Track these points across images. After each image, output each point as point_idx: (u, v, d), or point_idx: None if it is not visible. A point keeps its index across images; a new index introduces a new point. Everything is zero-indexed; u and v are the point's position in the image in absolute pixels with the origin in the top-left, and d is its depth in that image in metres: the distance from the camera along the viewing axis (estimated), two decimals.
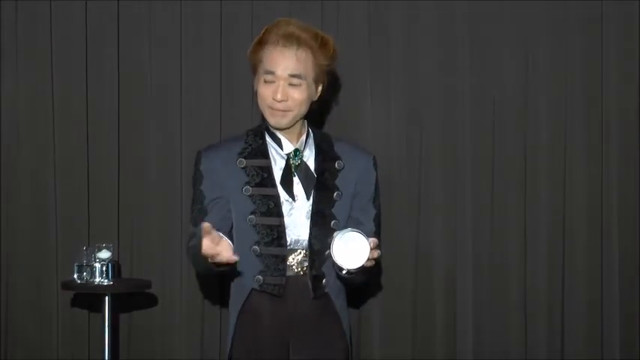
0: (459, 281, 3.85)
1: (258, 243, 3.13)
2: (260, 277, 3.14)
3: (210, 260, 2.87)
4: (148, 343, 3.90)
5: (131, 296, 3.83)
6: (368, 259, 2.90)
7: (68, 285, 3.64)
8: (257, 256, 3.14)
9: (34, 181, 3.92)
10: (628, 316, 3.84)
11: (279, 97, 3.10)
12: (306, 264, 3.15)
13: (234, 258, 2.85)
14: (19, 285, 3.91)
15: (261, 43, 3.15)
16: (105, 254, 3.60)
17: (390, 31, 3.87)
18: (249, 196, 3.14)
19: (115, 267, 3.68)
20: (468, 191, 3.84)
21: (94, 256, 3.63)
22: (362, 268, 2.92)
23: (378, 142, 3.85)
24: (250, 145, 3.20)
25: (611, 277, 3.84)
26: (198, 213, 3.16)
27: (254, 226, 3.14)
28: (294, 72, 3.11)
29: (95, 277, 3.61)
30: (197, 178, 3.19)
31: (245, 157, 3.17)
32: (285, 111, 3.13)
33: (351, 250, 2.89)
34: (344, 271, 2.95)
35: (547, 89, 3.85)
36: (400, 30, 3.87)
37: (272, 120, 3.16)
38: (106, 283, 3.62)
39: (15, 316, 3.92)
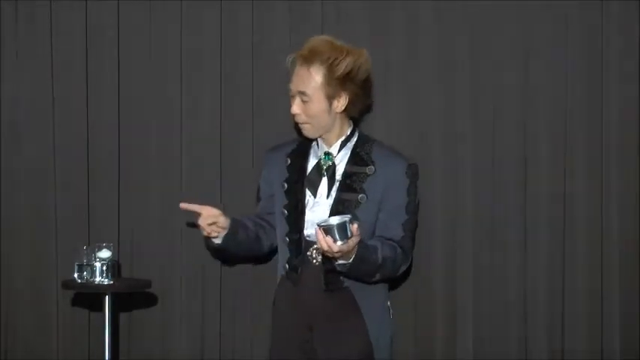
0: (459, 281, 3.84)
1: (287, 234, 3.49)
2: (287, 264, 3.50)
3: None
4: (148, 342, 3.90)
5: (131, 296, 3.83)
6: (346, 238, 3.15)
7: (68, 284, 3.64)
8: (287, 246, 3.50)
9: (34, 181, 3.92)
10: (628, 316, 3.82)
11: (293, 111, 3.45)
12: (321, 257, 3.42)
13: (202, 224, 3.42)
14: (19, 285, 3.91)
15: (293, 64, 3.48)
16: (105, 254, 3.60)
17: (390, 31, 3.87)
18: (285, 191, 3.52)
19: (115, 266, 3.67)
20: (468, 191, 3.84)
21: (94, 256, 3.63)
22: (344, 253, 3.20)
23: None
24: (300, 146, 3.58)
25: (612, 278, 3.82)
26: (256, 200, 3.68)
27: (286, 218, 3.50)
28: (300, 89, 3.42)
29: (95, 277, 3.61)
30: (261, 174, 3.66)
31: (291, 157, 3.55)
32: (302, 123, 3.47)
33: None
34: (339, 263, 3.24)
35: (547, 89, 3.84)
36: (400, 30, 3.86)
37: (302, 131, 3.51)
38: (106, 283, 3.61)
39: (15, 316, 3.92)
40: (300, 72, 3.41)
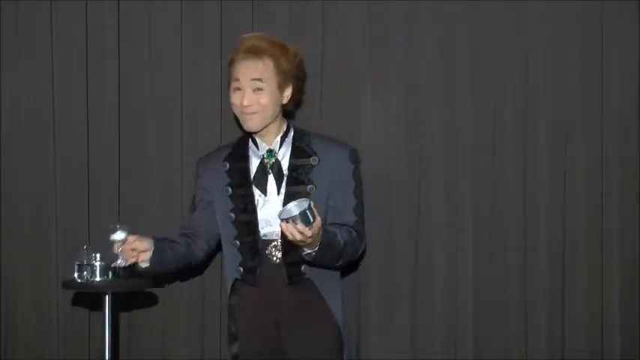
0: (459, 281, 3.84)
1: (237, 237, 3.51)
2: (240, 267, 3.52)
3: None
4: (148, 342, 3.90)
5: (131, 295, 3.82)
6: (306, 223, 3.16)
7: (68, 284, 3.63)
8: (237, 249, 3.51)
9: (34, 181, 3.92)
10: (628, 316, 3.83)
11: (245, 102, 3.45)
12: (280, 254, 3.47)
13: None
14: (19, 285, 3.92)
15: (231, 62, 3.53)
16: (120, 235, 3.47)
17: (390, 31, 3.87)
18: (229, 196, 3.53)
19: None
20: (468, 191, 3.84)
21: (94, 257, 3.59)
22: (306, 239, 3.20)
23: (378, 142, 3.85)
24: (235, 149, 3.59)
25: (612, 277, 3.82)
26: (189, 209, 3.68)
27: (233, 222, 3.52)
28: (255, 76, 3.45)
29: (95, 277, 3.59)
30: (195, 183, 3.66)
31: (229, 161, 3.57)
32: (252, 113, 3.47)
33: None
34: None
35: (547, 88, 3.84)
36: (400, 30, 3.87)
37: (244, 125, 3.51)
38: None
39: (15, 316, 3.92)
40: (252, 63, 3.45)
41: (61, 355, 3.89)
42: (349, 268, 3.75)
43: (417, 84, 3.87)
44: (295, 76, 3.55)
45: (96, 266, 3.59)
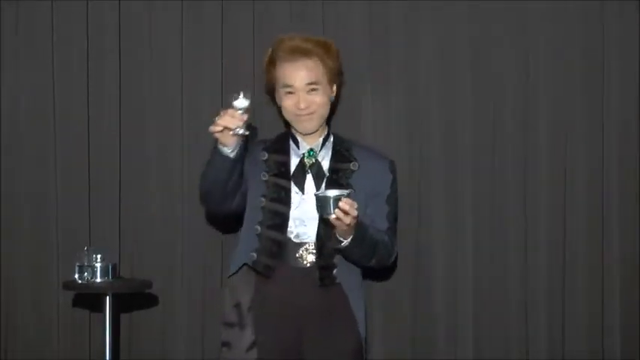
0: (460, 281, 3.84)
1: (261, 224, 3.43)
2: (254, 254, 3.42)
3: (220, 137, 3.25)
4: (148, 343, 3.89)
5: (132, 296, 3.81)
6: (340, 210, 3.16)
7: (69, 285, 3.63)
8: (257, 235, 3.43)
9: (35, 181, 3.91)
10: (628, 316, 3.83)
11: (302, 105, 3.44)
12: (312, 258, 3.40)
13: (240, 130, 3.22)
14: (20, 285, 3.91)
15: (271, 63, 3.50)
16: (243, 103, 3.25)
17: (390, 31, 3.87)
18: (265, 181, 3.46)
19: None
20: (468, 191, 3.84)
21: (94, 258, 3.59)
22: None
23: (378, 142, 3.84)
24: (274, 143, 3.55)
25: (612, 277, 3.83)
26: None
27: (262, 208, 3.44)
28: (309, 80, 3.44)
29: (96, 278, 3.59)
30: None
31: (267, 152, 3.51)
32: (310, 114, 3.45)
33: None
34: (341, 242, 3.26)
35: (547, 89, 3.84)
36: (400, 30, 3.87)
37: (300, 126, 3.49)
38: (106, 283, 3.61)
39: (15, 317, 3.91)
40: (302, 65, 3.44)
41: (61, 355, 3.88)
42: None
43: (417, 84, 3.87)
44: (338, 73, 3.56)
45: (96, 267, 3.59)
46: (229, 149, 3.30)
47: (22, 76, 3.93)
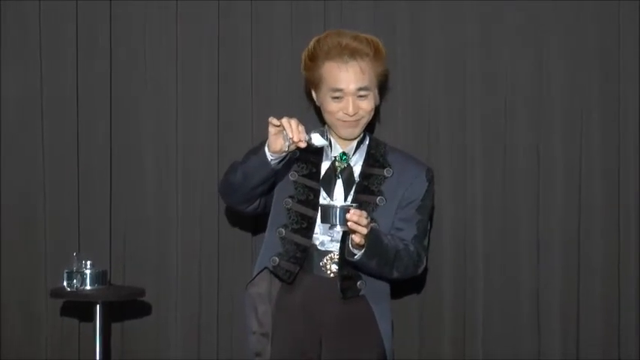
0: (468, 281, 3.83)
1: (285, 227, 3.35)
2: (276, 258, 3.33)
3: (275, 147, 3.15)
4: (141, 353, 3.87)
5: (123, 305, 3.79)
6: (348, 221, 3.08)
7: (57, 293, 3.60)
8: (280, 238, 3.34)
9: (23, 187, 3.89)
10: None
11: (351, 111, 3.31)
12: (336, 268, 3.32)
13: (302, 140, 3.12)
14: (7, 293, 3.88)
15: (314, 59, 3.34)
16: (321, 141, 3.23)
17: (396, 30, 3.84)
18: (294, 181, 3.37)
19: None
20: (478, 191, 3.83)
21: (84, 264, 3.55)
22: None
23: (384, 141, 3.76)
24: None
25: (628, 279, 3.80)
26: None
27: (288, 209, 3.35)
28: (362, 85, 3.31)
29: (86, 285, 3.56)
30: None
31: (299, 150, 3.28)
32: (357, 121, 3.34)
33: None
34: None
35: (560, 87, 3.82)
36: (406, 29, 3.85)
37: (344, 132, 3.37)
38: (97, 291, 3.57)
39: (4, 325, 3.88)
40: (352, 69, 3.29)
41: None
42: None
43: (423, 83, 3.85)
44: (384, 74, 3.43)
45: (86, 274, 3.57)
46: (274, 156, 3.19)
47: (10, 78, 3.89)
